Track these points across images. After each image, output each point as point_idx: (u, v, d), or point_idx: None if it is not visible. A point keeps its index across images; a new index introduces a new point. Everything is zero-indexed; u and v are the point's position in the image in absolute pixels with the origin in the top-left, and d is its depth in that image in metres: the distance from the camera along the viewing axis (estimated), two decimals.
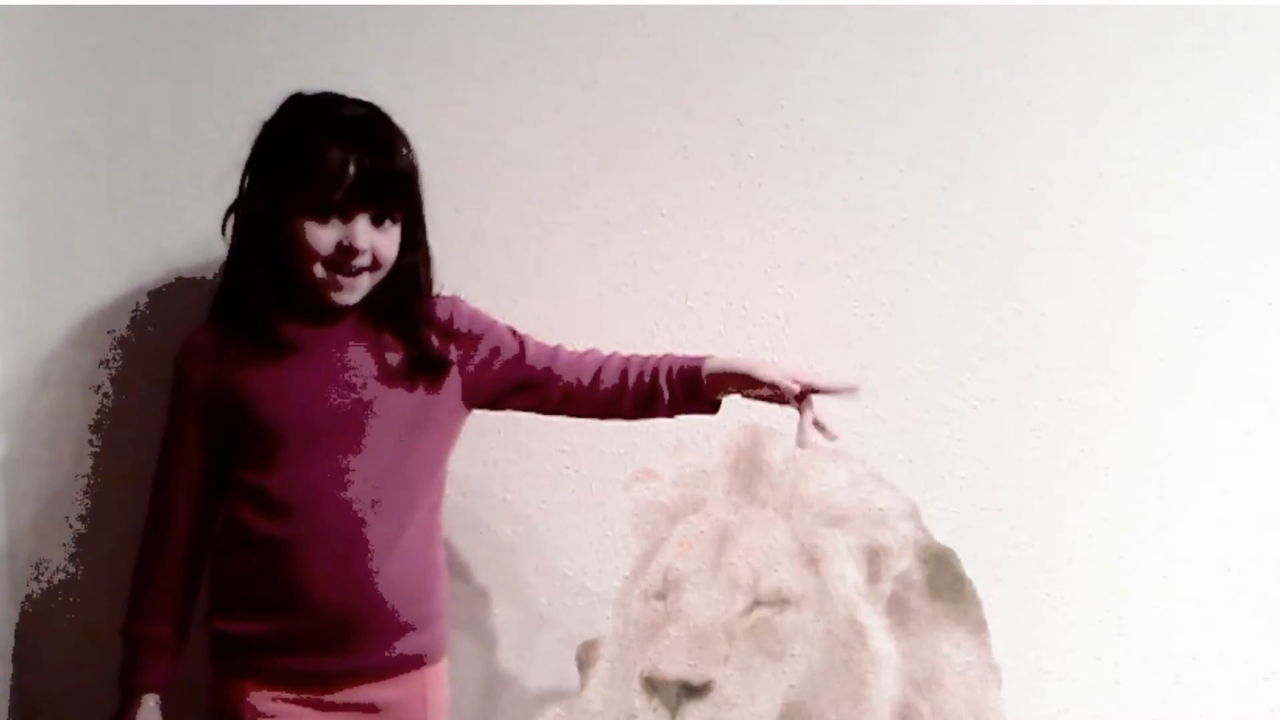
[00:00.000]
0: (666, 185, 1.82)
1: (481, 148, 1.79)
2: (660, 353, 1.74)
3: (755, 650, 1.81)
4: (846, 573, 1.82)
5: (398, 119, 1.54)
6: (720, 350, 1.81)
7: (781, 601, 1.82)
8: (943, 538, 1.87)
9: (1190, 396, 1.89)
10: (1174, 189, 1.86)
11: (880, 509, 1.83)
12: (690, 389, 1.58)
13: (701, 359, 1.59)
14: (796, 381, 1.55)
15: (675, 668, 1.80)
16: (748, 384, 1.57)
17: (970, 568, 1.87)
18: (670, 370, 1.59)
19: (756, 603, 1.82)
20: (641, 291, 1.83)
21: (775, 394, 1.56)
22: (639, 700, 1.81)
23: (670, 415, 1.62)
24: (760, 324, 1.85)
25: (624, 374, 1.60)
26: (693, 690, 1.80)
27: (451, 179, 1.75)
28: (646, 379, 1.59)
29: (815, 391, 1.56)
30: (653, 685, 1.80)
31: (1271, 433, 1.90)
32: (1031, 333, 1.87)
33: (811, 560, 1.82)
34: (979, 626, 1.87)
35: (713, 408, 1.60)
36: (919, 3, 1.82)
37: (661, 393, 1.59)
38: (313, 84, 1.54)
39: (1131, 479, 1.89)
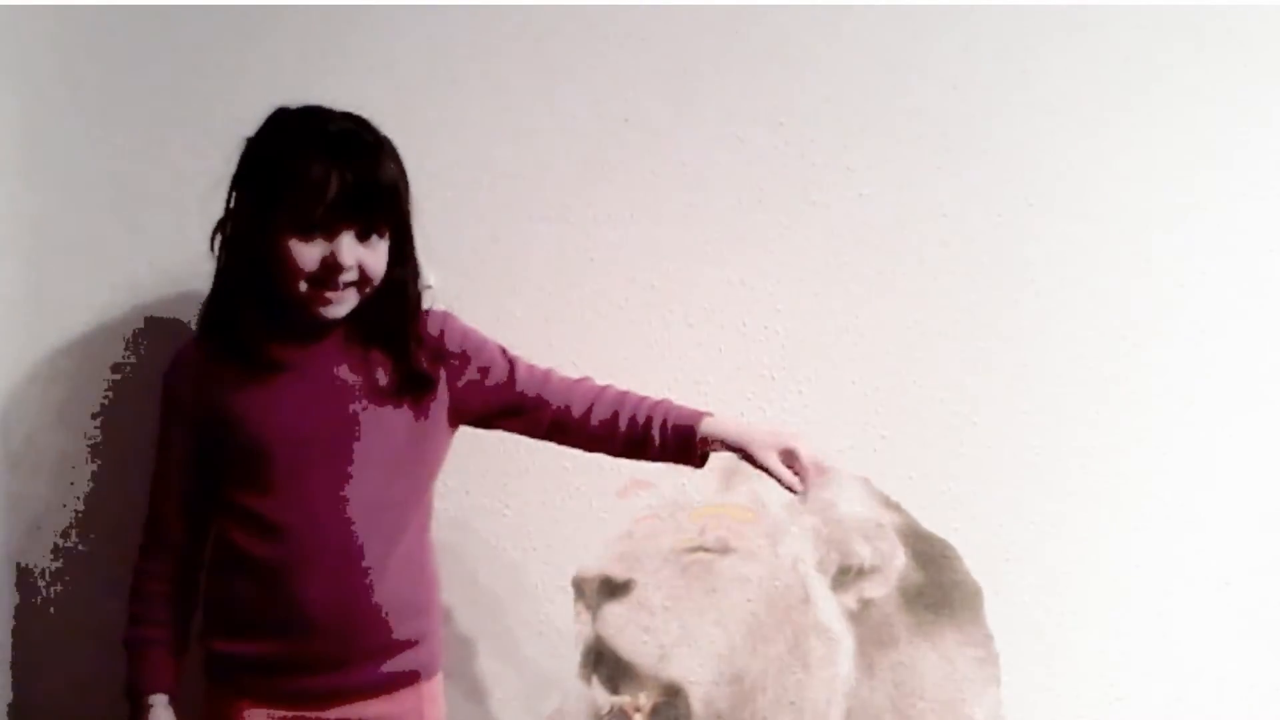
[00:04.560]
0: (665, 200, 1.82)
1: (476, 161, 1.79)
2: (660, 373, 1.80)
3: (688, 580, 1.79)
4: (804, 548, 1.81)
5: (390, 129, 1.52)
6: (719, 367, 1.84)
7: (725, 549, 1.81)
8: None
9: (1191, 409, 1.88)
10: (1174, 201, 1.85)
11: (878, 524, 1.83)
12: (682, 445, 1.57)
13: (698, 416, 1.57)
14: (786, 450, 1.54)
15: (599, 565, 1.79)
16: (742, 454, 1.55)
17: None
18: (665, 421, 1.57)
19: (701, 546, 1.81)
20: (639, 308, 1.83)
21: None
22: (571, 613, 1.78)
23: (657, 461, 1.61)
24: (759, 340, 1.85)
25: (616, 414, 1.58)
26: (614, 588, 1.78)
27: (445, 192, 1.77)
28: (640, 424, 1.57)
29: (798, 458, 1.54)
30: (579, 588, 1.79)
31: (1273, 445, 1.89)
32: (1031, 347, 1.86)
33: (771, 534, 1.81)
34: (976, 625, 1.86)
35: (700, 461, 1.59)
36: (918, 15, 1.82)
37: (653, 440, 1.57)
38: (308, 92, 1.52)
39: (1132, 493, 1.88)
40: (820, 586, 1.81)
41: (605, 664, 1.78)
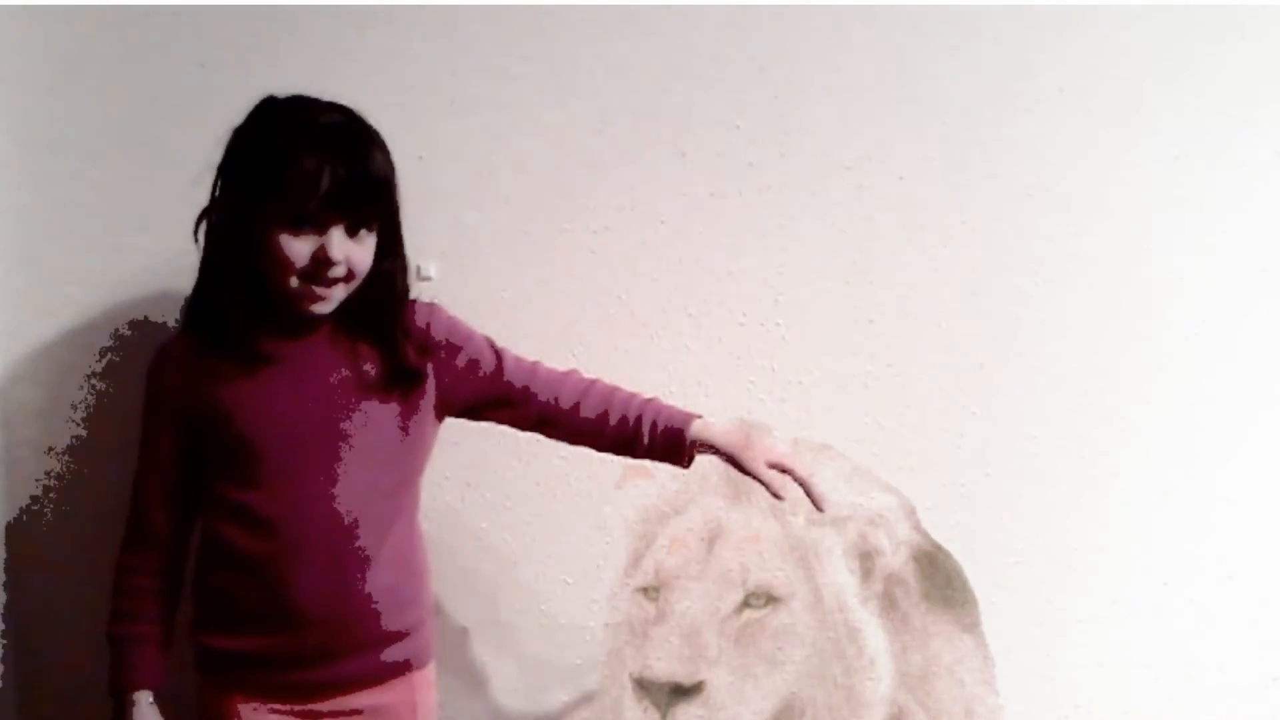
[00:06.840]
0: (665, 192, 1.82)
1: (478, 153, 1.79)
2: (660, 364, 1.81)
3: (747, 651, 1.81)
4: (839, 574, 1.82)
5: (390, 123, 1.51)
6: (719, 358, 1.84)
7: (771, 600, 1.82)
8: (943, 544, 1.87)
9: (1190, 404, 1.87)
10: (1175, 198, 1.84)
11: (875, 510, 1.84)
12: (671, 446, 1.56)
13: (688, 419, 1.56)
14: (779, 466, 1.53)
15: (667, 668, 1.81)
16: (729, 459, 1.55)
17: (971, 573, 1.88)
18: (655, 423, 1.56)
19: (747, 600, 1.82)
20: (640, 299, 1.83)
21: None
22: (629, 699, 1.81)
23: (643, 459, 1.60)
24: (759, 332, 1.84)
25: (606, 410, 1.58)
26: (684, 691, 1.80)
27: (447, 185, 1.77)
28: (630, 423, 1.57)
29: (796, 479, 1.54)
30: (643, 686, 1.81)
31: (1272, 440, 1.87)
32: (1031, 340, 1.85)
33: (803, 560, 1.82)
34: (973, 625, 1.87)
35: (687, 463, 1.58)
36: (920, 10, 1.80)
37: (642, 439, 1.56)
38: (307, 89, 1.51)
39: (1132, 485, 1.87)
40: (868, 621, 1.82)
41: None
